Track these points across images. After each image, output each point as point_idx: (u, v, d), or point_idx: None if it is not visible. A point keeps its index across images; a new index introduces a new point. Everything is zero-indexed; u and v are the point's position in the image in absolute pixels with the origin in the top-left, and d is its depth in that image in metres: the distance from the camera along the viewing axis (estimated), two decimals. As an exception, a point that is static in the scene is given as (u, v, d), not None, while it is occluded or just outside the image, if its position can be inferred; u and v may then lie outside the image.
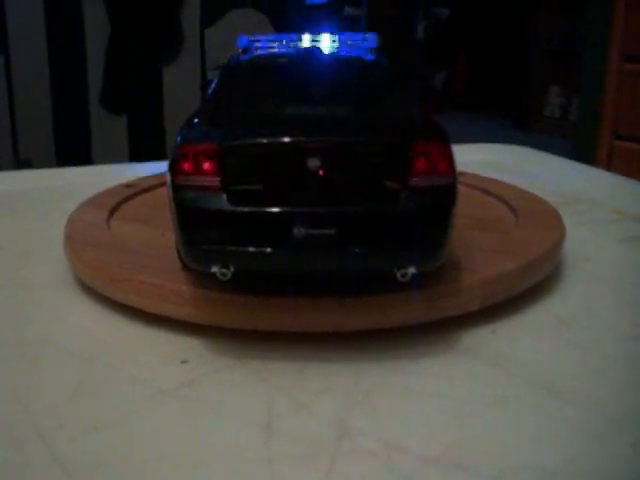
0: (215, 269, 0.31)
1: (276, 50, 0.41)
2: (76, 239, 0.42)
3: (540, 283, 0.40)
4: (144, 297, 0.36)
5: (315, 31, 0.42)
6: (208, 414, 0.28)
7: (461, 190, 0.33)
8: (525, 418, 0.28)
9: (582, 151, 1.79)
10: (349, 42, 0.42)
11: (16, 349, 0.34)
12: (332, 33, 0.42)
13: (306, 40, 0.41)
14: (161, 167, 0.37)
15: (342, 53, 0.41)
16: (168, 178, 0.32)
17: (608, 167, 1.65)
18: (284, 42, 0.41)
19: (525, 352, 0.33)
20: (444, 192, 0.32)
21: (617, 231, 0.52)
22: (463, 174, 0.50)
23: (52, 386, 0.30)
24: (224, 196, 0.31)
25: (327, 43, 0.41)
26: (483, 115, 3.82)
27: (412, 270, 0.31)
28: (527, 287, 0.39)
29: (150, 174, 0.56)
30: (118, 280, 0.36)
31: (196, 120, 0.34)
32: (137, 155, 1.51)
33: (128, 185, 0.54)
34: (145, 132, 1.55)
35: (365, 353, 0.33)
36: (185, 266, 0.34)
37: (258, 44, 0.41)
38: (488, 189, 0.53)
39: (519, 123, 3.69)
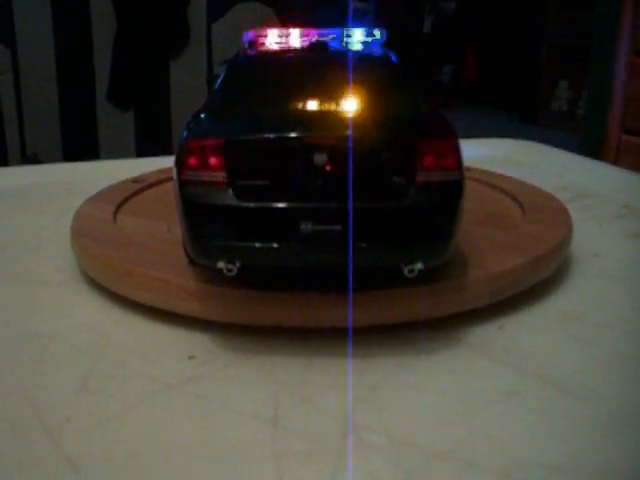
0: (221, 264, 0.31)
1: (283, 45, 0.41)
2: (83, 234, 0.42)
3: (548, 279, 0.40)
4: (151, 292, 0.36)
5: (322, 26, 0.42)
6: (215, 409, 0.28)
7: (468, 185, 0.32)
8: (532, 414, 0.28)
9: (590, 146, 1.78)
10: (356, 37, 0.41)
11: (23, 344, 0.34)
12: (339, 28, 0.42)
13: (313, 35, 0.41)
14: (168, 162, 0.37)
15: (349, 48, 0.41)
16: (174, 173, 0.32)
17: (616, 162, 1.64)
18: (291, 37, 0.41)
19: (533, 348, 0.33)
20: (451, 188, 0.32)
21: (625, 226, 0.51)
22: (470, 169, 0.49)
23: (59, 381, 0.30)
24: (230, 191, 0.31)
25: (334, 38, 0.41)
26: (491, 109, 3.81)
27: (419, 266, 0.31)
28: (535, 283, 0.38)
29: (157, 169, 0.56)
30: (125, 275, 0.36)
31: (203, 115, 0.34)
32: (144, 150, 1.51)
33: (135, 180, 0.54)
34: (152, 127, 1.56)
35: (371, 348, 0.33)
36: (191, 261, 0.34)
37: (264, 39, 0.41)
38: (495, 184, 0.53)
39: (527, 118, 3.68)
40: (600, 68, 1.78)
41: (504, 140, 0.83)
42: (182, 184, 0.32)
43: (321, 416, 0.28)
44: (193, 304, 0.34)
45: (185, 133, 0.33)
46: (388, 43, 0.41)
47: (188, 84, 1.52)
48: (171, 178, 0.33)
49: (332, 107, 0.34)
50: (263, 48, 0.41)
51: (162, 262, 0.37)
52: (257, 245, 0.31)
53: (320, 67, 0.38)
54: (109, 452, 0.25)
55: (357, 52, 0.40)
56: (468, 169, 0.33)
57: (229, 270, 0.31)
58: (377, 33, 0.41)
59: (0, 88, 1.47)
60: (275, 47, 0.41)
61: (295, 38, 0.41)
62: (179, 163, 0.32)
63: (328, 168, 0.31)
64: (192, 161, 0.31)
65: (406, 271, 0.32)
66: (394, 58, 0.39)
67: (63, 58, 1.48)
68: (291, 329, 0.34)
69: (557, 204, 0.48)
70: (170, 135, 1.50)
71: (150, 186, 0.53)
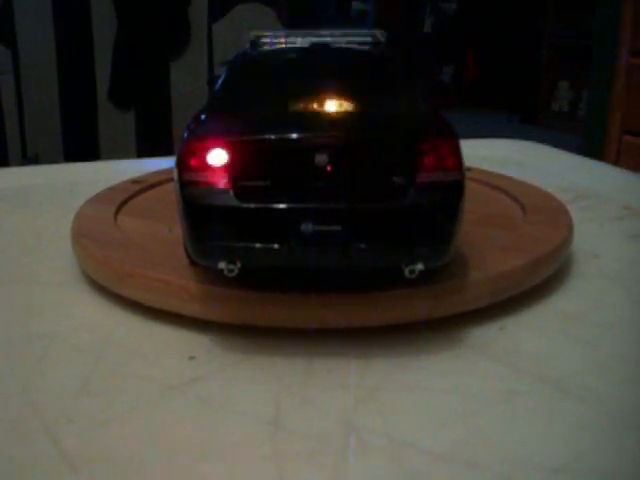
0: (222, 265, 0.31)
1: (283, 45, 0.41)
2: (83, 235, 0.42)
3: (548, 279, 0.40)
4: (151, 293, 0.36)
5: (323, 26, 0.42)
6: (215, 410, 0.28)
7: (469, 186, 0.32)
8: (533, 415, 0.28)
9: (591, 146, 1.78)
10: (357, 37, 0.41)
11: (24, 344, 0.34)
12: (340, 28, 0.42)
13: (314, 35, 0.41)
14: (168, 163, 0.37)
15: (350, 48, 0.41)
16: (175, 174, 0.32)
17: (617, 162, 1.64)
18: (292, 37, 0.41)
19: (533, 348, 0.33)
20: (452, 188, 0.32)
21: (626, 227, 0.51)
22: (471, 169, 0.49)
23: (60, 382, 0.30)
24: (231, 192, 0.31)
25: (335, 38, 0.41)
26: (491, 110, 3.81)
27: (420, 266, 0.31)
28: (535, 283, 0.38)
29: (157, 170, 0.56)
30: (125, 276, 0.36)
31: (203, 116, 0.34)
32: (145, 151, 1.51)
33: (135, 181, 0.54)
34: (153, 127, 1.56)
35: (372, 349, 0.33)
36: (192, 262, 0.34)
37: (265, 39, 0.41)
38: (496, 185, 0.53)
39: (527, 118, 3.68)
40: (600, 68, 1.78)
41: (504, 140, 0.83)
42: (183, 185, 0.32)
43: (322, 417, 0.28)
44: (194, 305, 0.34)
45: (186, 134, 0.33)
46: (388, 43, 0.41)
47: (189, 85, 1.52)
48: (172, 179, 0.33)
49: (332, 108, 0.34)
50: (264, 49, 0.41)
51: (163, 263, 0.37)
52: (258, 246, 0.31)
53: (320, 68, 0.38)
54: (110, 453, 0.25)
55: (357, 52, 0.40)
56: (468, 169, 0.33)
57: (230, 271, 0.32)
58: (377, 33, 0.41)
59: (1, 88, 1.47)
60: (276, 48, 0.41)
61: (296, 39, 0.41)
62: (180, 164, 0.32)
63: (329, 169, 0.31)
64: (193, 162, 0.31)
65: (407, 272, 0.32)
66: (394, 58, 0.39)
67: (64, 58, 1.48)
68: (292, 330, 0.34)
69: (558, 205, 0.48)
70: (171, 136, 1.50)
71: (151, 187, 0.53)
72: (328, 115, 0.33)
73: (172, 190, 0.33)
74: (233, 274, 0.32)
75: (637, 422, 0.28)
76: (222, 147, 0.31)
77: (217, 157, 0.31)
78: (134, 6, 1.48)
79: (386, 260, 0.32)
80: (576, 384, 0.30)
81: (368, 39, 0.41)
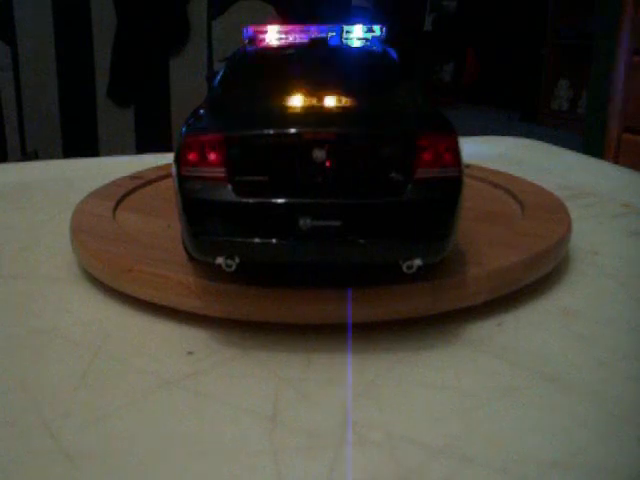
0: (220, 260, 0.31)
1: (282, 41, 0.41)
2: (82, 231, 0.42)
3: (546, 276, 0.40)
4: (150, 288, 0.36)
5: (322, 22, 0.42)
6: (214, 405, 0.28)
7: (468, 183, 0.32)
8: (530, 410, 0.28)
9: (590, 144, 1.78)
10: (356, 33, 0.41)
11: (22, 340, 0.34)
12: (339, 24, 0.42)
13: (313, 31, 0.41)
14: (167, 159, 0.37)
15: (349, 44, 0.41)
16: (174, 169, 0.32)
17: (616, 160, 1.64)
18: (290, 33, 0.41)
19: (531, 345, 0.33)
20: (450, 184, 0.32)
21: (625, 224, 0.51)
22: (470, 166, 0.49)
23: (58, 376, 0.30)
24: (230, 187, 0.31)
25: (334, 34, 0.41)
26: (491, 108, 3.81)
27: (418, 262, 0.31)
28: (533, 280, 0.38)
29: (156, 166, 0.56)
30: (124, 271, 0.36)
31: (202, 111, 0.34)
32: (144, 147, 1.51)
33: (134, 177, 0.54)
34: (152, 124, 1.55)
35: (370, 345, 0.33)
36: (191, 257, 0.34)
37: (264, 35, 0.41)
38: (495, 182, 0.53)
39: (527, 116, 3.68)
40: (601, 67, 1.78)
41: (504, 138, 0.83)
42: (181, 180, 0.32)
43: (320, 412, 0.28)
44: (192, 300, 0.34)
45: (184, 129, 0.33)
46: (388, 40, 0.41)
47: (188, 81, 1.52)
48: (170, 174, 0.33)
49: (331, 103, 0.34)
50: (263, 44, 0.41)
51: (161, 258, 0.37)
52: (256, 241, 0.31)
53: (320, 63, 0.38)
54: (107, 447, 0.26)
55: (357, 48, 0.40)
56: (468, 166, 0.33)
57: (228, 266, 0.32)
58: (377, 29, 0.41)
59: (0, 85, 1.47)
60: (275, 43, 0.41)
61: (295, 34, 0.41)
62: (178, 159, 0.32)
63: (327, 164, 0.31)
64: (191, 157, 0.31)
65: (405, 267, 0.32)
66: (394, 55, 0.39)
67: (63, 55, 1.48)
68: (290, 325, 0.34)
69: (557, 202, 0.48)
70: (170, 132, 1.50)
71: (149, 182, 0.53)
72: (326, 110, 0.33)
73: (171, 186, 0.33)
74: (231, 269, 0.32)
75: (634, 417, 0.28)
76: (220, 142, 0.31)
77: (215, 152, 0.31)
78: (134, 3, 1.48)
79: (384, 255, 0.32)
80: (574, 380, 0.30)
81: (367, 35, 0.41)
